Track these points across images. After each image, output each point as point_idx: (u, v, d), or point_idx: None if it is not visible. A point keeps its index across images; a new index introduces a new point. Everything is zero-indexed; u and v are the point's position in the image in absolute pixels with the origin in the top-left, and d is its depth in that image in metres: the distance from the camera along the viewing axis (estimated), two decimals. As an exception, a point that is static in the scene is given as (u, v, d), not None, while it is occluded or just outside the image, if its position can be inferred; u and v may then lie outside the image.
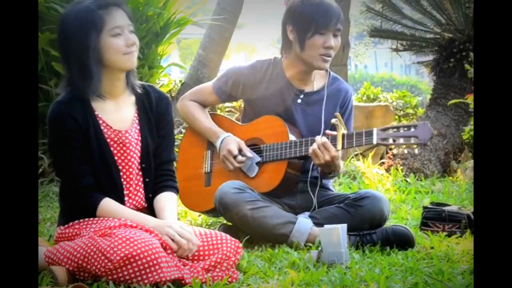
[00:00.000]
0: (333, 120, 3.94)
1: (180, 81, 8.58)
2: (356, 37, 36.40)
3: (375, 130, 3.89)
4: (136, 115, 3.24)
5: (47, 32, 5.54)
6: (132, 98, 3.26)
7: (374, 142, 3.88)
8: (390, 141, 3.86)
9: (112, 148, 3.15)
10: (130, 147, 3.19)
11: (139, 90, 3.26)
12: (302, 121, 4.19)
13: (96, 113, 3.15)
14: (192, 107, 4.31)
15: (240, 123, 4.37)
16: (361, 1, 8.75)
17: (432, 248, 3.83)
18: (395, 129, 3.88)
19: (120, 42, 3.09)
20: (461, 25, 7.88)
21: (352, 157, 6.89)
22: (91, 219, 3.12)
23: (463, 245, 3.86)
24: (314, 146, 3.89)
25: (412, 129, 3.83)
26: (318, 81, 4.25)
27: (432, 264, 3.47)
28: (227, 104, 7.63)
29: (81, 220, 3.13)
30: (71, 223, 3.15)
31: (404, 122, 8.62)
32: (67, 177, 3.13)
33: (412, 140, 3.82)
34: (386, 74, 31.55)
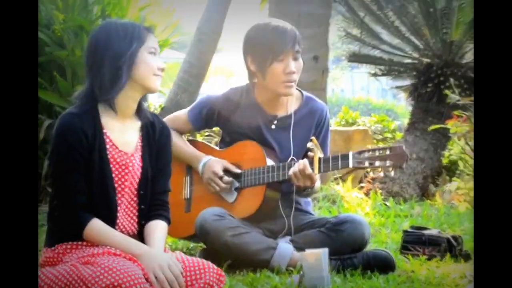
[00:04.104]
0: (309, 144, 3.96)
1: (160, 105, 8.59)
2: (333, 61, 36.47)
3: (350, 154, 3.91)
4: (139, 141, 3.25)
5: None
6: (138, 123, 3.26)
7: (350, 165, 3.90)
8: (366, 164, 3.89)
9: (114, 169, 3.15)
10: (132, 172, 3.17)
11: (150, 117, 3.28)
12: (278, 146, 4.20)
13: (104, 130, 3.14)
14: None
15: (217, 148, 4.38)
16: (340, 26, 8.83)
17: (412, 271, 3.85)
18: (370, 152, 3.90)
19: (154, 61, 3.15)
20: (439, 50, 7.97)
21: (332, 181, 6.93)
22: (75, 243, 3.08)
23: (443, 269, 3.89)
24: (295, 169, 3.91)
25: (388, 152, 3.86)
26: (291, 105, 4.24)
27: (414, 287, 3.49)
28: (206, 128, 7.64)
29: (66, 244, 3.10)
30: (56, 246, 3.12)
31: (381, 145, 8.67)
32: (63, 191, 3.08)
33: (388, 163, 3.84)
34: (363, 98, 31.67)
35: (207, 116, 4.28)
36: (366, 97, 32.52)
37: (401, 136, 8.58)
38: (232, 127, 4.24)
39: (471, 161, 3.65)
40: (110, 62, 3.11)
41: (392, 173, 3.91)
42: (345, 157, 3.90)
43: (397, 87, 9.03)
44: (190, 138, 4.70)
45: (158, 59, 3.18)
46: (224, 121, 4.26)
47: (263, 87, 4.15)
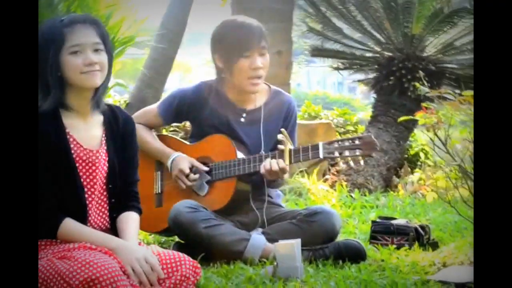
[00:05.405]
0: (280, 136, 4.02)
1: (125, 101, 8.59)
2: (290, 55, 36.39)
3: (320, 144, 3.98)
4: (103, 135, 3.25)
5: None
6: (100, 118, 3.24)
7: (321, 156, 3.98)
8: (336, 154, 3.97)
9: (80, 167, 3.15)
10: (99, 167, 3.17)
11: (106, 110, 3.27)
12: (248, 139, 4.26)
13: (67, 130, 3.13)
14: (139, 130, 4.27)
15: (187, 142, 4.42)
16: (301, 20, 8.88)
17: (382, 260, 3.92)
18: (340, 142, 3.99)
19: (77, 61, 3.06)
20: (400, 44, 8.06)
21: (297, 174, 6.99)
22: (50, 240, 3.09)
23: (412, 257, 3.96)
24: (266, 164, 3.98)
25: (357, 141, 3.95)
26: (259, 98, 4.32)
27: (385, 276, 3.56)
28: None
29: (40, 240, 3.10)
30: None
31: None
32: None
33: (357, 152, 3.94)
34: (320, 92, 31.80)
35: (178, 109, 4.32)
36: (323, 91, 32.66)
37: (363, 129, 8.68)
38: (202, 121, 4.28)
39: (435, 151, 3.73)
40: (40, 71, 3.06)
41: (362, 162, 3.97)
42: (315, 147, 3.98)
43: (359, 81, 9.12)
44: (161, 133, 4.70)
45: (85, 54, 3.08)
46: (194, 114, 4.30)
47: (230, 83, 4.23)
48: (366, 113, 10.52)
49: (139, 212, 3.34)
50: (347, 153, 3.95)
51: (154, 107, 4.45)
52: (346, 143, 3.97)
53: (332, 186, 7.03)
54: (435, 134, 3.55)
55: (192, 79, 32.68)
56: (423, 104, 3.56)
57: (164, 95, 9.21)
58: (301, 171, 7.05)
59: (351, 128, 9.20)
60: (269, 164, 3.98)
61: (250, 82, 4.14)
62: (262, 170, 4.00)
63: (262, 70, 4.15)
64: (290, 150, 4.01)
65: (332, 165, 7.59)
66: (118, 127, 3.28)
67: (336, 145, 3.98)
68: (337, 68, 8.69)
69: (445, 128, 3.56)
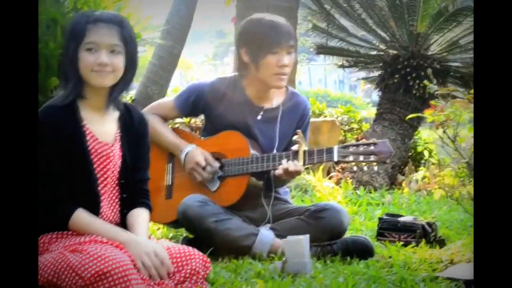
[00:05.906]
0: (295, 137, 4.04)
1: (131, 97, 8.60)
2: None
3: (335, 148, 4.00)
4: (118, 131, 3.28)
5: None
6: (116, 114, 3.28)
7: (335, 159, 4.00)
8: (351, 158, 3.99)
9: (95, 159, 3.17)
10: (112, 161, 3.20)
11: (125, 108, 3.30)
12: (262, 137, 4.27)
13: (83, 123, 3.16)
14: (154, 121, 4.30)
15: (201, 137, 4.44)
16: (305, 18, 8.90)
17: (390, 257, 3.93)
18: (355, 147, 4.00)
19: (90, 58, 3.10)
20: (405, 42, 8.10)
21: (303, 171, 7.01)
22: (61, 233, 3.11)
23: (419, 254, 3.96)
24: (284, 165, 4.01)
25: (372, 147, 3.96)
26: (277, 98, 4.34)
27: (393, 272, 3.56)
28: (176, 119, 7.66)
29: (51, 233, 3.12)
30: (41, 236, 3.14)
31: (364, 140, 8.75)
32: (44, 185, 3.10)
33: (372, 158, 3.95)
34: (321, 90, 31.82)
35: (194, 103, 4.33)
36: (324, 89, 32.69)
37: (367, 126, 8.70)
38: (217, 116, 4.29)
39: (444, 149, 3.75)
40: (61, 63, 3.18)
41: (376, 168, 4.00)
42: (329, 150, 4.00)
43: (363, 79, 9.15)
44: (175, 126, 4.72)
45: (98, 53, 3.12)
46: (210, 109, 4.31)
47: (254, 79, 4.23)
48: (368, 112, 10.54)
49: (149, 209, 3.37)
50: (361, 158, 3.97)
51: (170, 100, 4.47)
52: (361, 148, 3.98)
53: (337, 183, 7.04)
54: (444, 132, 3.57)
55: (193, 76, 32.75)
56: (432, 102, 3.58)
57: (169, 92, 9.27)
58: (306, 168, 7.07)
59: (355, 125, 9.23)
60: (287, 164, 4.00)
61: (277, 77, 4.15)
62: (280, 171, 4.02)
63: (288, 68, 4.17)
64: (304, 152, 4.04)
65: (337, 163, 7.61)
66: (133, 125, 3.32)
67: (351, 149, 4.00)
68: (342, 66, 8.72)
69: (454, 126, 3.58)
